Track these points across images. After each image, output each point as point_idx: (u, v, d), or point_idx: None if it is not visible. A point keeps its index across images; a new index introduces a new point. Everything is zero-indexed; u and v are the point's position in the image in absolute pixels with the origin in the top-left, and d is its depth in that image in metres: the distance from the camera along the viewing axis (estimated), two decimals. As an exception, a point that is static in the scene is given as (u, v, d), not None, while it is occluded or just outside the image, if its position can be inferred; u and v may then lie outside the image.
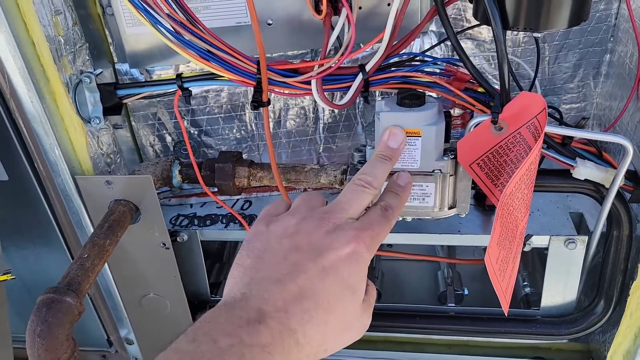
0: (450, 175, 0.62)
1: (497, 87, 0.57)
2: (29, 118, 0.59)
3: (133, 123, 0.76)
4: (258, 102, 0.61)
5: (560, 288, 0.69)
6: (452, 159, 0.61)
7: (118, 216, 0.62)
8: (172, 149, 0.79)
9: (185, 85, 0.63)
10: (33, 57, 0.58)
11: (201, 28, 0.58)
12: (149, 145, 0.79)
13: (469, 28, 0.69)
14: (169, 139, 0.79)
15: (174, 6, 0.57)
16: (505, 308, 0.52)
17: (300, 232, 0.43)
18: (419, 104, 0.59)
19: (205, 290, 0.78)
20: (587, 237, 0.65)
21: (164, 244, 0.68)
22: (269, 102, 0.62)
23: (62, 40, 0.61)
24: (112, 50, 0.71)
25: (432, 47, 0.69)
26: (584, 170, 0.60)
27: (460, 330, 0.72)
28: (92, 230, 0.67)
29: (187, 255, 0.74)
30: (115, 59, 0.72)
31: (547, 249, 0.67)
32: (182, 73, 0.63)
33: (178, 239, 0.73)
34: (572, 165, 0.60)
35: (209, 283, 0.79)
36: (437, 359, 0.79)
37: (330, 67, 0.60)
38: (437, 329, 0.73)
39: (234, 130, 0.79)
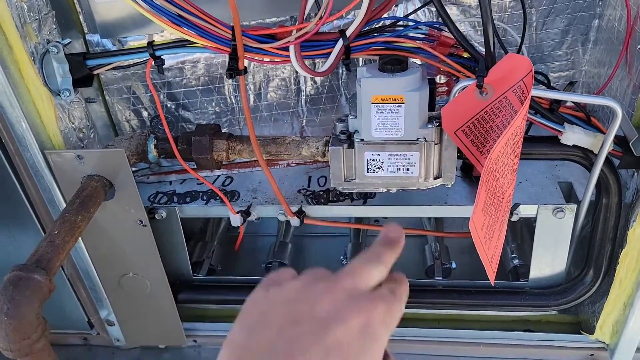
0: (435, 144, 0.60)
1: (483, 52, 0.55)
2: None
3: (107, 97, 0.73)
4: (234, 70, 0.59)
5: (549, 259, 0.68)
6: (436, 126, 0.59)
7: (90, 192, 0.60)
8: (149, 123, 0.77)
9: (157, 53, 0.60)
10: (-7, 24, 0.55)
11: (175, -6, 0.56)
12: (125, 120, 0.76)
13: (453, -10, 0.66)
14: (145, 113, 0.76)
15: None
16: (491, 277, 0.50)
17: (302, 300, 0.36)
18: (402, 70, 0.57)
19: (187, 269, 0.76)
20: (575, 206, 0.64)
21: (141, 221, 0.66)
22: (245, 70, 0.59)
23: (25, 7, 0.57)
24: (81, 20, 0.67)
25: (415, 10, 0.66)
26: (572, 135, 0.58)
27: (448, 303, 0.71)
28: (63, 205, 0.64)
29: (166, 233, 0.72)
30: (86, 30, 0.68)
31: (535, 219, 0.66)
32: (153, 41, 0.60)
33: (156, 216, 0.71)
34: (560, 131, 0.58)
35: (190, 262, 0.77)
36: (427, 334, 0.78)
37: (308, 32, 0.58)
38: (425, 302, 0.72)
39: (213, 104, 0.76)
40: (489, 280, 0.56)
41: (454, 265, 0.75)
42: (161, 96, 0.74)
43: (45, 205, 0.65)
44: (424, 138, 0.59)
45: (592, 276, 0.66)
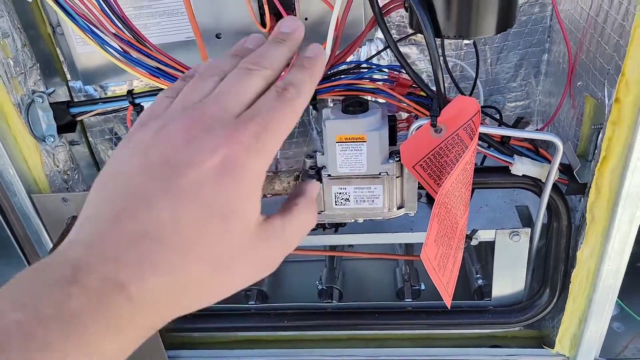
0: (397, 177, 0.64)
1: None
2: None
3: (90, 139, 0.77)
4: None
5: (509, 279, 0.73)
6: (397, 161, 0.64)
7: (76, 232, 0.63)
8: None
9: (137, 101, 0.64)
10: (-18, 80, 0.59)
11: (148, 46, 0.60)
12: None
13: (409, 35, 0.72)
14: (127, 152, 0.80)
15: (120, 25, 0.58)
16: (447, 302, 0.55)
17: (157, 143, 0.30)
18: (363, 111, 0.62)
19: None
20: (530, 229, 0.69)
21: (125, 257, 0.70)
22: (219, 114, 0.64)
23: (12, 62, 0.62)
24: (64, 68, 0.72)
25: (375, 54, 0.72)
26: (521, 166, 0.63)
27: (418, 324, 0.75)
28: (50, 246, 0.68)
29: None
30: (69, 77, 0.73)
31: (494, 242, 0.71)
32: (133, 89, 0.64)
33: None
34: (510, 163, 0.64)
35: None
36: (400, 353, 0.82)
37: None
38: (397, 324, 0.76)
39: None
40: (455, 300, 0.60)
41: (422, 287, 0.80)
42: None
43: (33, 245, 0.69)
44: (386, 172, 0.63)
45: (549, 294, 0.71)
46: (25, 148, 0.64)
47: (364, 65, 0.68)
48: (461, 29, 0.56)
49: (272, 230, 0.33)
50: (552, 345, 0.76)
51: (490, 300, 0.75)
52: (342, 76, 0.66)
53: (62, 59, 0.71)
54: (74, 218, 0.65)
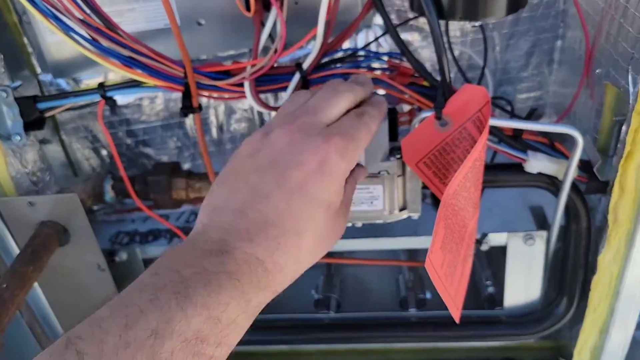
0: (399, 176, 0.58)
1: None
2: None
3: (64, 137, 0.71)
4: (188, 108, 0.57)
5: (522, 286, 0.66)
6: (398, 158, 0.57)
7: (43, 240, 0.57)
8: (109, 161, 0.75)
9: (109, 94, 0.58)
10: None
11: (120, 33, 0.54)
12: (84, 159, 0.74)
13: (409, 20, 0.65)
14: (104, 152, 0.74)
15: (87, 11, 0.52)
16: (456, 316, 0.49)
17: (264, 148, 0.39)
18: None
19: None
20: (546, 233, 0.63)
21: (99, 266, 0.64)
22: (200, 108, 0.58)
23: (-31, 53, 0.56)
24: (33, 60, 0.66)
25: (374, 40, 0.65)
26: (536, 163, 0.57)
27: (423, 337, 0.69)
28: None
29: (128, 275, 0.70)
30: (38, 70, 0.67)
31: (506, 247, 0.64)
32: (104, 82, 0.58)
33: (116, 258, 0.68)
34: (523, 159, 0.57)
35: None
36: (404, 366, 0.76)
37: (263, 66, 0.56)
38: (400, 337, 0.70)
39: (174, 139, 0.75)
40: (463, 310, 0.54)
41: (428, 296, 0.74)
42: (120, 133, 0.72)
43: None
44: (386, 171, 0.57)
45: (567, 304, 0.64)
46: (-14, 148, 0.58)
47: (361, 52, 0.62)
48: (468, 10, 0.50)
49: (344, 208, 0.42)
50: (569, 357, 0.69)
51: (502, 309, 0.69)
52: (337, 65, 0.60)
53: (30, 49, 0.65)
54: (42, 224, 0.59)
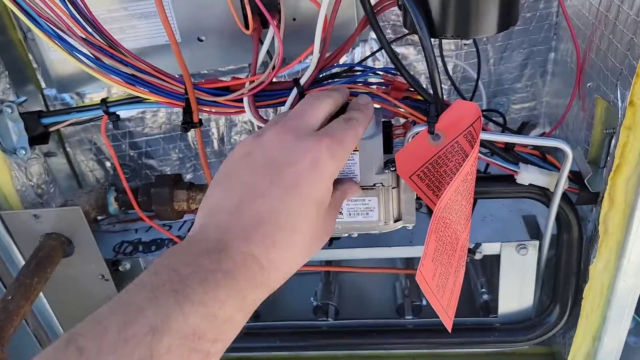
0: (393, 188, 0.60)
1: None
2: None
3: (68, 149, 0.73)
4: (188, 124, 0.59)
5: (516, 294, 0.68)
6: (392, 171, 0.59)
7: (47, 251, 0.59)
8: (112, 173, 0.76)
9: (111, 109, 0.60)
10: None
11: (122, 51, 0.56)
12: (88, 171, 0.76)
13: (404, 35, 0.67)
14: (108, 164, 0.76)
15: (89, 29, 0.54)
16: (448, 325, 0.50)
17: (256, 149, 0.41)
18: (354, 117, 0.57)
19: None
20: (538, 242, 0.64)
21: (103, 276, 0.65)
22: (201, 123, 0.60)
23: (-25, 71, 0.57)
24: (38, 75, 0.68)
25: (369, 56, 0.67)
26: (527, 175, 0.58)
27: (419, 343, 0.71)
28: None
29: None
30: (43, 85, 0.69)
31: (499, 256, 0.66)
32: (107, 98, 0.60)
33: (120, 268, 0.70)
34: (515, 171, 0.59)
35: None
36: (401, 372, 0.77)
37: (262, 82, 0.58)
38: (396, 343, 0.71)
39: (176, 150, 0.76)
40: (459, 317, 0.55)
41: (424, 302, 0.75)
42: (123, 146, 0.74)
43: (5, 265, 0.64)
44: (381, 183, 0.58)
45: (559, 311, 0.66)
46: (-7, 163, 0.60)
47: (357, 67, 0.63)
48: (459, 28, 0.51)
49: (334, 206, 0.44)
50: (563, 365, 0.70)
51: (496, 316, 0.70)
52: (335, 80, 0.62)
53: (34, 65, 0.67)
54: (47, 236, 0.61)
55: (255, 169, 0.40)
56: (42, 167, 0.68)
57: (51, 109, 0.69)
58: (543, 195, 0.60)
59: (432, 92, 0.55)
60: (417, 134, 0.56)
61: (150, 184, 0.66)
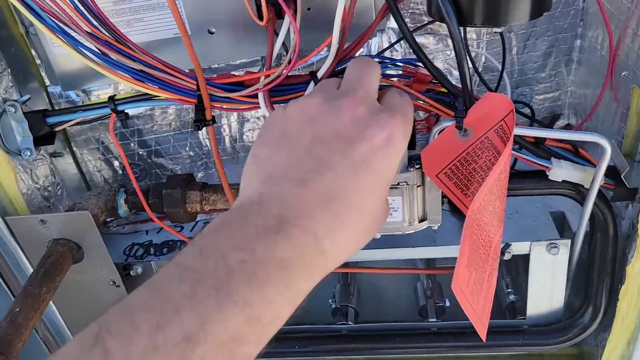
0: (418, 186, 0.57)
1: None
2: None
3: (75, 149, 0.70)
4: (201, 122, 0.56)
5: (546, 295, 0.65)
6: (417, 168, 0.56)
7: (56, 258, 0.56)
8: (121, 172, 0.74)
9: (119, 108, 0.57)
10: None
11: (130, 45, 0.53)
12: (96, 171, 0.73)
13: (427, 24, 0.63)
14: (116, 163, 0.73)
15: (95, 23, 0.51)
16: (482, 334, 0.47)
17: (322, 117, 0.36)
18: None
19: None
20: (569, 241, 0.61)
21: (114, 282, 0.63)
22: (213, 121, 0.56)
23: (-24, 69, 0.55)
24: (42, 72, 0.65)
25: (389, 46, 0.63)
26: (560, 171, 0.55)
27: (444, 347, 0.68)
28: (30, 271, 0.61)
29: (143, 288, 0.68)
30: (47, 82, 0.66)
31: (528, 256, 0.63)
32: (115, 95, 0.57)
33: (132, 272, 0.67)
34: (547, 167, 0.55)
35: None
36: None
37: (278, 77, 0.55)
38: (420, 347, 0.69)
39: (187, 148, 0.73)
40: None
41: (447, 304, 0.72)
42: (132, 144, 0.71)
43: (13, 272, 0.62)
44: (405, 182, 0.55)
45: (592, 313, 0.63)
46: (-3, 166, 0.57)
47: (377, 59, 0.60)
48: (489, 16, 0.48)
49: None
50: (595, 367, 0.67)
51: (524, 318, 0.67)
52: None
53: (38, 62, 0.64)
54: (55, 242, 0.58)
55: (322, 138, 0.35)
56: (49, 168, 0.65)
57: (56, 107, 0.66)
58: (576, 192, 0.57)
59: (457, 85, 0.51)
60: (443, 129, 0.53)
61: (161, 185, 0.63)
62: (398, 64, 0.59)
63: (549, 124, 0.76)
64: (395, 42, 0.65)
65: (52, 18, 0.49)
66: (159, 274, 0.30)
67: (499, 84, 0.66)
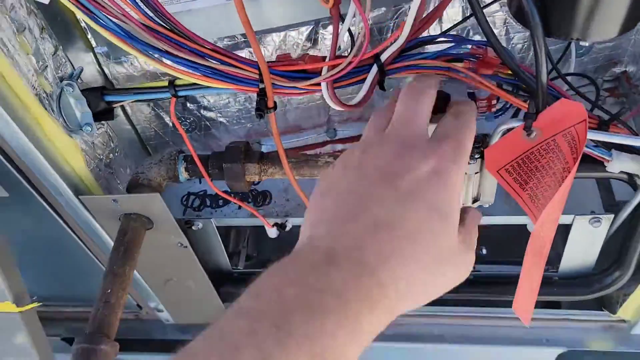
0: (476, 173, 0.58)
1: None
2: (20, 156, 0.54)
3: (127, 107, 0.70)
4: (263, 110, 0.55)
5: (580, 257, 0.69)
6: (477, 158, 0.57)
7: (132, 235, 0.60)
8: (172, 126, 0.74)
9: (180, 94, 0.56)
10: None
11: (199, 42, 0.50)
12: (147, 125, 0.74)
13: (494, 1, 0.59)
14: (167, 118, 0.73)
15: (151, 14, 0.48)
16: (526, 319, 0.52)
17: (365, 160, 0.37)
18: (439, 109, 0.53)
19: (226, 264, 0.79)
20: (613, 216, 0.64)
21: (181, 244, 0.68)
22: (275, 107, 0.56)
23: (33, 59, 0.53)
24: (87, 35, 0.62)
25: (454, 26, 0.60)
26: (620, 164, 0.56)
27: (477, 299, 0.75)
28: (107, 237, 0.66)
29: (203, 238, 0.73)
30: (94, 43, 0.63)
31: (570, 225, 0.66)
32: (175, 80, 0.56)
33: (193, 227, 0.72)
34: (607, 159, 0.56)
35: (228, 254, 0.79)
36: (465, 311, 0.82)
37: (343, 69, 0.53)
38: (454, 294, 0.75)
39: (234, 102, 0.73)
40: (517, 268, 0.56)
41: (483, 252, 0.77)
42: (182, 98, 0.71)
43: (89, 236, 0.67)
44: (465, 172, 0.57)
45: (620, 273, 0.68)
46: (66, 151, 0.58)
47: (443, 39, 0.57)
48: (578, 28, 0.45)
49: (467, 237, 0.38)
50: (613, 311, 0.75)
51: (555, 271, 0.73)
52: (419, 54, 0.56)
53: (83, 24, 0.61)
54: (127, 216, 0.62)
55: (368, 178, 0.36)
56: (107, 134, 0.66)
57: (104, 69, 0.65)
58: (629, 179, 0.58)
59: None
60: (510, 130, 0.52)
61: (220, 155, 0.64)
62: (467, 45, 0.56)
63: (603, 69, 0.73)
64: (463, 20, 0.61)
65: (111, 19, 0.47)
66: (218, 320, 0.30)
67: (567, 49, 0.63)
